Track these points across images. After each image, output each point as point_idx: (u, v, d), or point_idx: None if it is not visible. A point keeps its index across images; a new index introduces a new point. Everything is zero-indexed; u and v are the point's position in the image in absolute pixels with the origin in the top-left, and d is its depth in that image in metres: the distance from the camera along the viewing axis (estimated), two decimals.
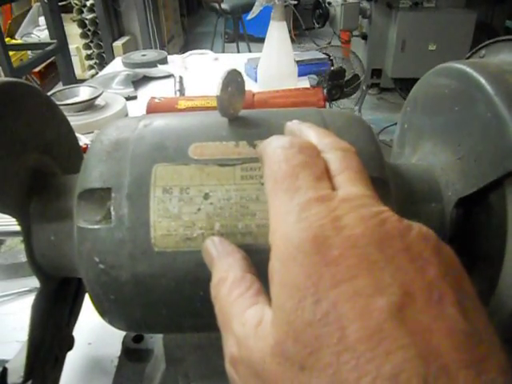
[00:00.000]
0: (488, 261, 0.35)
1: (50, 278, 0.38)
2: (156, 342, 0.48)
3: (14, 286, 0.61)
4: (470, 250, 0.37)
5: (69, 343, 0.42)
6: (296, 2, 3.00)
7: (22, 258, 0.63)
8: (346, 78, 2.47)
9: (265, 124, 0.34)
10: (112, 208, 0.30)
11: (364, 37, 3.32)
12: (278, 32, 1.09)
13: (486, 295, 0.36)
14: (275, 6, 1.07)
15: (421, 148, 0.42)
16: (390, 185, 0.32)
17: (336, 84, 2.12)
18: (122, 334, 0.50)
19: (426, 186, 0.37)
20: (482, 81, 0.33)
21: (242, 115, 0.36)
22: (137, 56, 1.48)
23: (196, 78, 1.33)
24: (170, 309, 0.31)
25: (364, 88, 2.84)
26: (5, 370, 0.32)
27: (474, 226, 0.36)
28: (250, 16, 1.12)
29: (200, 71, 1.41)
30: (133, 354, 0.48)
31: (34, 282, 0.62)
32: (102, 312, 0.33)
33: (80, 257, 0.31)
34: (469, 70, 0.35)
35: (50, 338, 0.39)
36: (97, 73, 3.53)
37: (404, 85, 3.23)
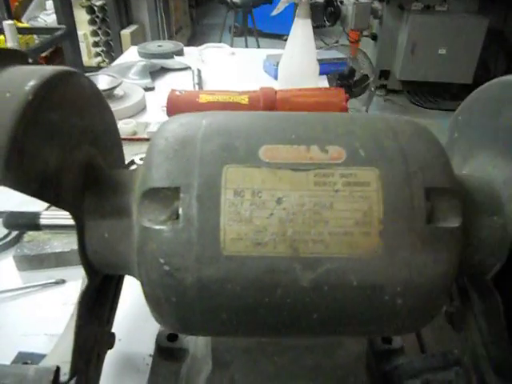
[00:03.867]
0: None
1: (97, 275, 0.37)
2: (191, 341, 0.47)
3: (39, 277, 0.60)
4: None
5: (110, 341, 0.41)
6: None
7: (48, 248, 0.62)
8: (355, 78, 2.46)
9: (331, 128, 0.33)
10: (180, 209, 0.29)
11: (374, 37, 3.31)
12: (302, 30, 1.08)
13: None
14: (301, 3, 1.06)
15: (475, 159, 0.42)
16: (458, 196, 0.32)
17: (345, 83, 2.12)
18: (153, 331, 0.49)
19: (487, 199, 0.36)
20: None
21: (306, 117, 0.35)
22: (153, 46, 1.46)
23: (213, 72, 1.32)
24: (231, 314, 0.31)
25: (372, 89, 2.83)
26: (58, 368, 0.31)
27: None
28: (275, 12, 1.11)
29: (217, 65, 1.39)
30: (167, 352, 0.47)
31: (59, 274, 0.61)
32: (158, 314, 0.32)
33: (142, 257, 0.30)
34: None
35: (93, 335, 0.38)
36: (104, 60, 3.50)
37: (412, 87, 3.22)
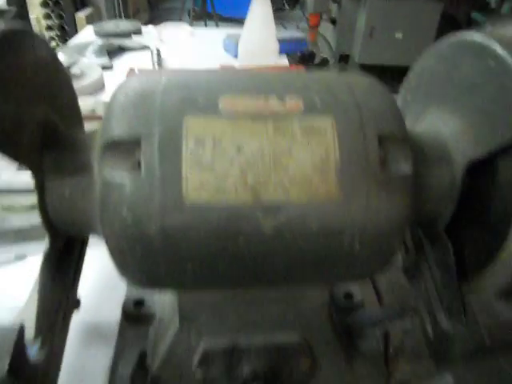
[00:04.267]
0: (491, 229, 0.37)
1: (59, 236, 0.37)
2: (157, 306, 0.48)
3: None
4: (476, 216, 0.39)
5: (74, 304, 0.41)
6: None
7: (6, 225, 0.60)
8: (315, 62, 2.49)
9: (289, 82, 0.34)
10: (142, 159, 0.29)
11: (333, 21, 3.34)
12: (261, 7, 1.08)
13: (482, 263, 0.38)
14: None
15: (426, 118, 0.44)
16: (409, 145, 0.33)
17: (305, 66, 2.13)
18: (119, 300, 0.50)
19: (437, 150, 0.38)
20: (498, 48, 0.35)
21: (264, 74, 0.36)
22: (109, 26, 1.42)
23: (173, 51, 1.30)
24: (195, 264, 0.31)
25: None
26: (22, 327, 0.31)
27: (481, 193, 0.38)
28: None
29: (176, 44, 1.37)
30: (134, 318, 0.47)
31: (19, 250, 0.60)
32: (123, 268, 0.33)
33: (105, 210, 0.30)
34: (482, 38, 0.36)
35: (57, 298, 0.38)
36: (57, 45, 3.37)
37: (370, 71, 3.28)
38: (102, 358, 0.46)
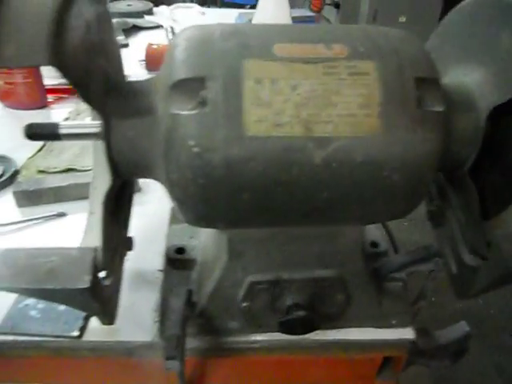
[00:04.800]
0: (510, 171, 0.41)
1: (120, 177, 0.40)
2: (198, 252, 0.52)
3: (39, 211, 0.62)
4: (496, 161, 0.42)
5: (128, 243, 0.45)
6: None
7: (46, 184, 0.63)
8: None
9: (333, 32, 0.37)
10: (207, 96, 0.33)
11: (337, 5, 3.35)
12: None
13: (503, 203, 0.41)
14: None
15: (450, 73, 0.47)
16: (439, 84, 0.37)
17: None
18: (159, 251, 0.53)
19: (462, 97, 0.41)
20: None
21: (308, 27, 0.39)
22: (122, 5, 1.45)
23: None
24: (253, 194, 0.35)
25: None
26: (96, 250, 0.35)
27: (502, 139, 0.42)
28: None
29: (188, 23, 1.39)
30: (176, 263, 0.51)
31: (58, 209, 0.63)
32: (184, 202, 0.36)
33: (171, 145, 0.34)
34: None
35: (114, 235, 0.42)
36: None
37: None
38: (149, 299, 0.49)
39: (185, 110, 0.33)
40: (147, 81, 0.39)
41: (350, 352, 0.48)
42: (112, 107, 0.37)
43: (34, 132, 0.40)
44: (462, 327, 0.56)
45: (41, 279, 0.34)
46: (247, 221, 0.38)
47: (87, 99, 0.34)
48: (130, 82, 0.40)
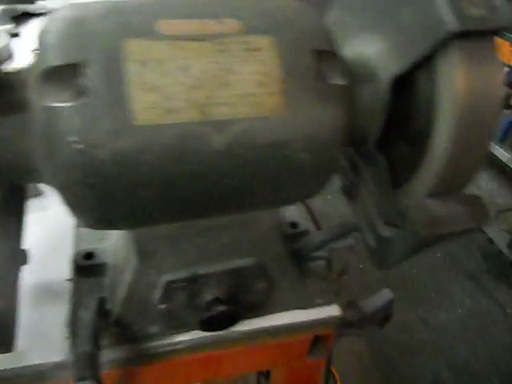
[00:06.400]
0: (415, 140, 0.41)
1: (3, 184, 0.35)
2: (108, 255, 0.47)
3: None
4: (402, 131, 0.42)
5: (22, 257, 0.40)
6: None
7: None
8: None
9: (226, 5, 0.34)
10: (85, 83, 0.29)
11: None
12: None
13: (411, 171, 0.42)
14: None
15: (352, 45, 0.46)
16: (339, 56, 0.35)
17: None
18: (63, 261, 0.49)
19: (363, 69, 0.40)
20: None
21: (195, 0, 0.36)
22: None
23: None
24: (151, 190, 0.32)
25: None
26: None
27: (405, 110, 0.41)
28: None
29: None
30: (86, 270, 0.47)
31: None
32: (77, 206, 0.32)
33: (50, 141, 0.30)
34: None
35: (3, 251, 0.37)
36: None
37: None
38: (57, 313, 0.45)
39: (61, 102, 0.29)
40: (20, 72, 0.34)
41: (279, 337, 0.47)
42: None
43: None
44: (385, 295, 0.57)
45: None
46: (151, 218, 0.35)
47: None
48: (7, 74, 0.35)
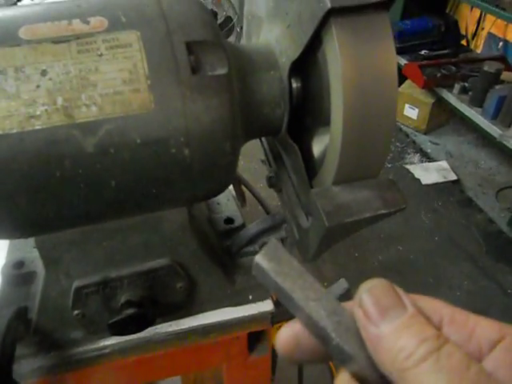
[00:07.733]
0: (322, 127, 0.40)
1: None
2: (38, 264, 0.47)
3: None
4: (313, 117, 0.41)
5: None
6: None
7: None
8: (218, 21, 2.46)
9: (94, 3, 0.34)
10: None
11: None
12: None
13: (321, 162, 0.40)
14: None
15: (260, 34, 0.45)
16: (225, 47, 0.34)
17: None
18: None
19: (263, 57, 0.39)
20: None
21: (66, 2, 0.35)
22: None
23: None
24: (28, 197, 0.31)
25: (239, 30, 2.84)
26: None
27: (312, 95, 0.40)
28: None
29: None
30: (15, 280, 0.47)
31: None
32: None
33: None
34: None
35: None
36: None
37: None
38: None
39: None
40: None
41: (211, 336, 0.46)
42: None
43: None
44: (341, 285, 0.56)
45: None
46: (42, 226, 0.35)
47: None
48: None
